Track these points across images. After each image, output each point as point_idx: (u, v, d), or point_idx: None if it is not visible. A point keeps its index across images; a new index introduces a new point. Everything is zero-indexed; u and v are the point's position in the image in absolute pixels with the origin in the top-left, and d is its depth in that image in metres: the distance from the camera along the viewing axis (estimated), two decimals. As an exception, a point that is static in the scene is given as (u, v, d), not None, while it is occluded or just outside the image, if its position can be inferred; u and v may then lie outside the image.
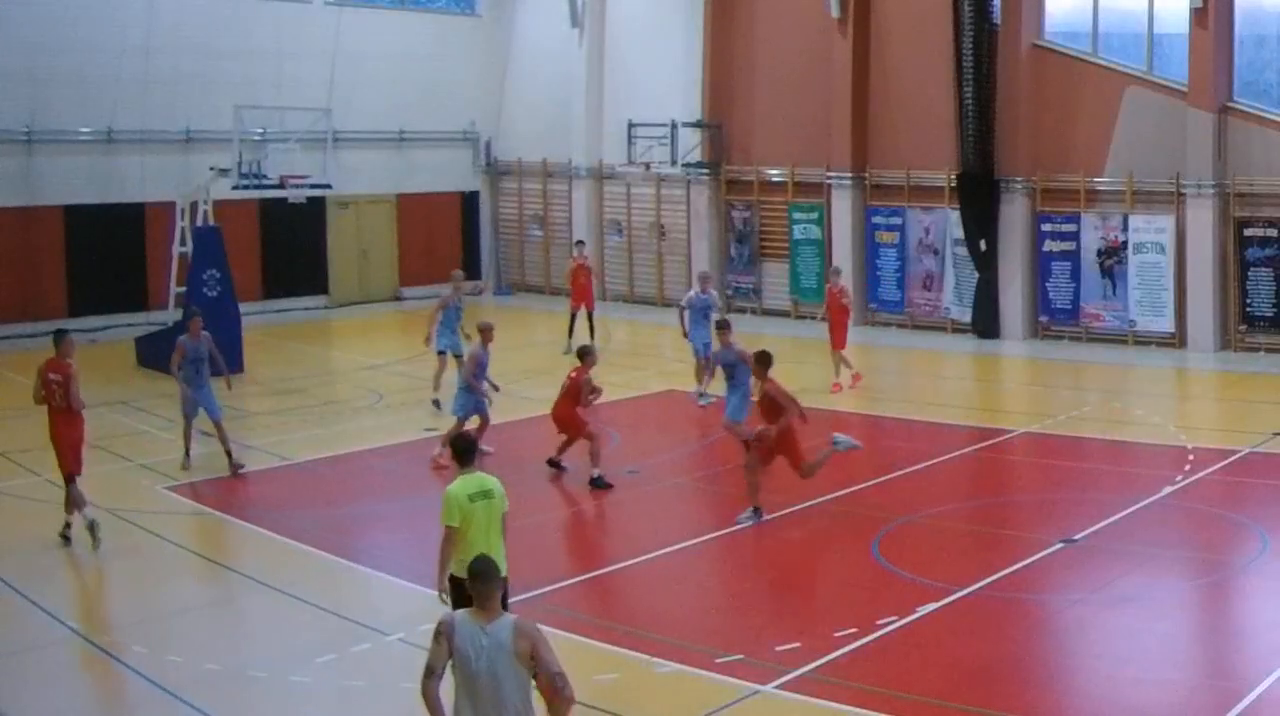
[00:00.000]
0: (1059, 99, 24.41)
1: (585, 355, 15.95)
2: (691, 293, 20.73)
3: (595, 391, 15.78)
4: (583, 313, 24.58)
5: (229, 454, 15.93)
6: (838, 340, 20.94)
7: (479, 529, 8.99)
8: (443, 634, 6.29)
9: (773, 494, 14.61)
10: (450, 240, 32.69)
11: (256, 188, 23.25)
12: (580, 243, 28.07)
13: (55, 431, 13.26)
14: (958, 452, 16.61)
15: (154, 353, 20.44)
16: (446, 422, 16.97)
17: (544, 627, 10.31)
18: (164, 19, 26.44)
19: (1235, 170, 22.59)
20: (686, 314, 20.17)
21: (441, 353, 19.41)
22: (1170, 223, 23.25)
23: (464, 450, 9.40)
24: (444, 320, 19.33)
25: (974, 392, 21.90)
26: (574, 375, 15.70)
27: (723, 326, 16.41)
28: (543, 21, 31.64)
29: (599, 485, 15.14)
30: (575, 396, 15.59)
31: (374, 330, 27.93)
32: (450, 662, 6.30)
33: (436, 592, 9.22)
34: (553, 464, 15.88)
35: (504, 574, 8.77)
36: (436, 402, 18.86)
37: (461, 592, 8.67)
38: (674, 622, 11.00)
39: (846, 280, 26.70)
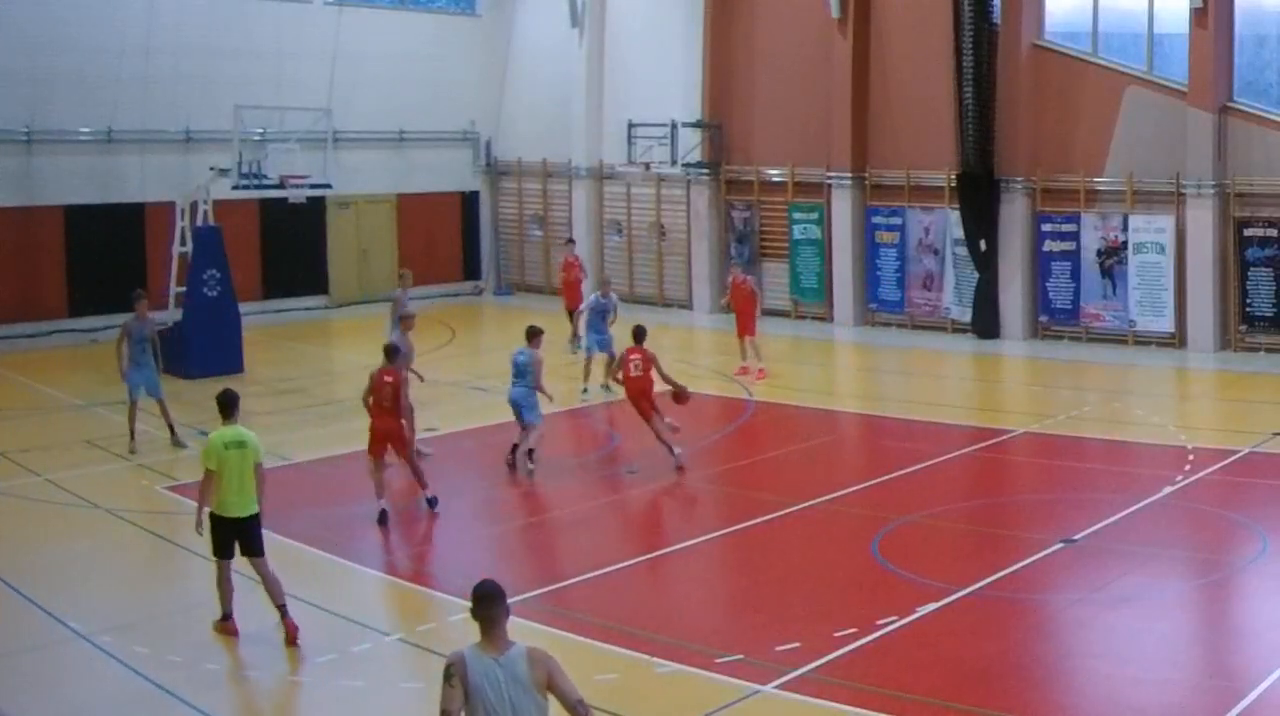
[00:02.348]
0: (1059, 99, 24.40)
1: (392, 354, 14.68)
2: (593, 297, 20.92)
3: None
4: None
5: (171, 429, 17.11)
6: (746, 327, 21.53)
7: (232, 473, 10.36)
8: (455, 675, 5.96)
9: (772, 493, 14.63)
10: (450, 240, 32.69)
11: (256, 188, 23.21)
12: (570, 241, 28.10)
13: None
14: (958, 452, 16.60)
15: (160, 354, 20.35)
16: (449, 422, 16.95)
17: (544, 627, 10.43)
18: (164, 19, 26.42)
19: (1235, 170, 22.58)
20: (583, 318, 20.33)
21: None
22: (1170, 223, 23.24)
23: (224, 404, 10.71)
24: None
25: (974, 392, 21.89)
26: (389, 378, 14.22)
27: (535, 333, 16.19)
28: (543, 21, 31.64)
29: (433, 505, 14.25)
30: (396, 401, 14.13)
31: (374, 330, 27.72)
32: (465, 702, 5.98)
33: (195, 528, 10.58)
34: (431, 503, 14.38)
35: (255, 511, 10.52)
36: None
37: (219, 528, 10.43)
38: (674, 622, 10.99)
39: (845, 281, 26.91)
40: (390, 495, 14.03)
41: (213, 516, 10.51)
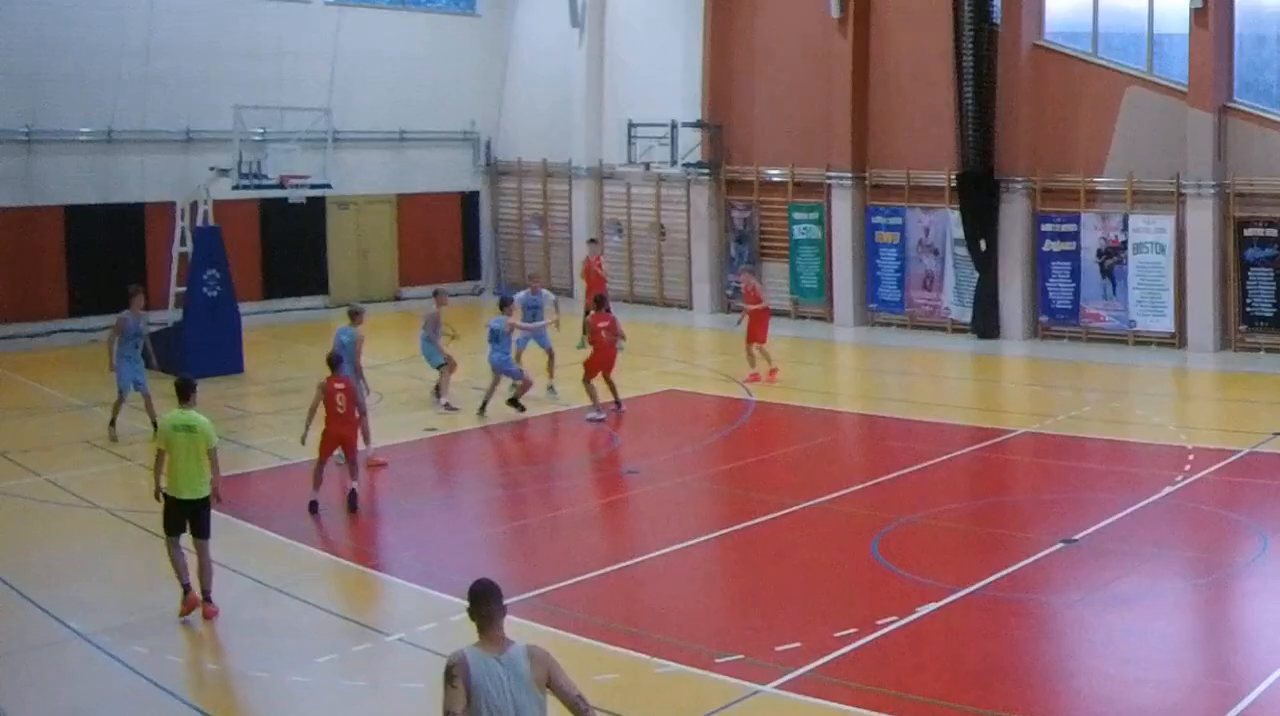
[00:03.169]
0: (1059, 99, 24.40)
1: (336, 363, 14.79)
2: (522, 293, 20.97)
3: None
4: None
5: (154, 424, 17.02)
6: (758, 333, 21.29)
7: (180, 455, 10.91)
8: (457, 676, 5.94)
9: (772, 493, 14.63)
10: (450, 240, 32.69)
11: (256, 188, 23.21)
12: (592, 240, 28.17)
13: None
14: (958, 452, 16.59)
15: (154, 352, 20.42)
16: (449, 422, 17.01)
17: (544, 627, 10.43)
18: (164, 19, 26.41)
19: (1235, 170, 22.58)
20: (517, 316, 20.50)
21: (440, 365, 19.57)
22: (1170, 223, 23.24)
23: (180, 388, 11.26)
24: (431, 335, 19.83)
25: (974, 392, 21.89)
26: (340, 385, 14.39)
27: (506, 302, 19.51)
28: (543, 21, 31.63)
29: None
30: (350, 407, 14.38)
31: (374, 330, 27.59)
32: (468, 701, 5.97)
33: (154, 496, 11.27)
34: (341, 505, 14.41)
35: (203, 495, 11.05)
36: (447, 405, 19.19)
37: (171, 508, 11.02)
38: (674, 622, 11.00)
39: (845, 281, 26.92)
40: (348, 491, 14.36)
41: (166, 496, 11.06)
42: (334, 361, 14.86)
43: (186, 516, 11.03)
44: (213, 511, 14.08)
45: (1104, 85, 23.93)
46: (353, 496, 14.23)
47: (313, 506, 14.10)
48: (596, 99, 30.71)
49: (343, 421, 14.30)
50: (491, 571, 12.39)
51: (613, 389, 18.75)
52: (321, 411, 14.36)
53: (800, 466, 16.41)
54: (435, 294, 20.51)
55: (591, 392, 18.37)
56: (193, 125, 27.00)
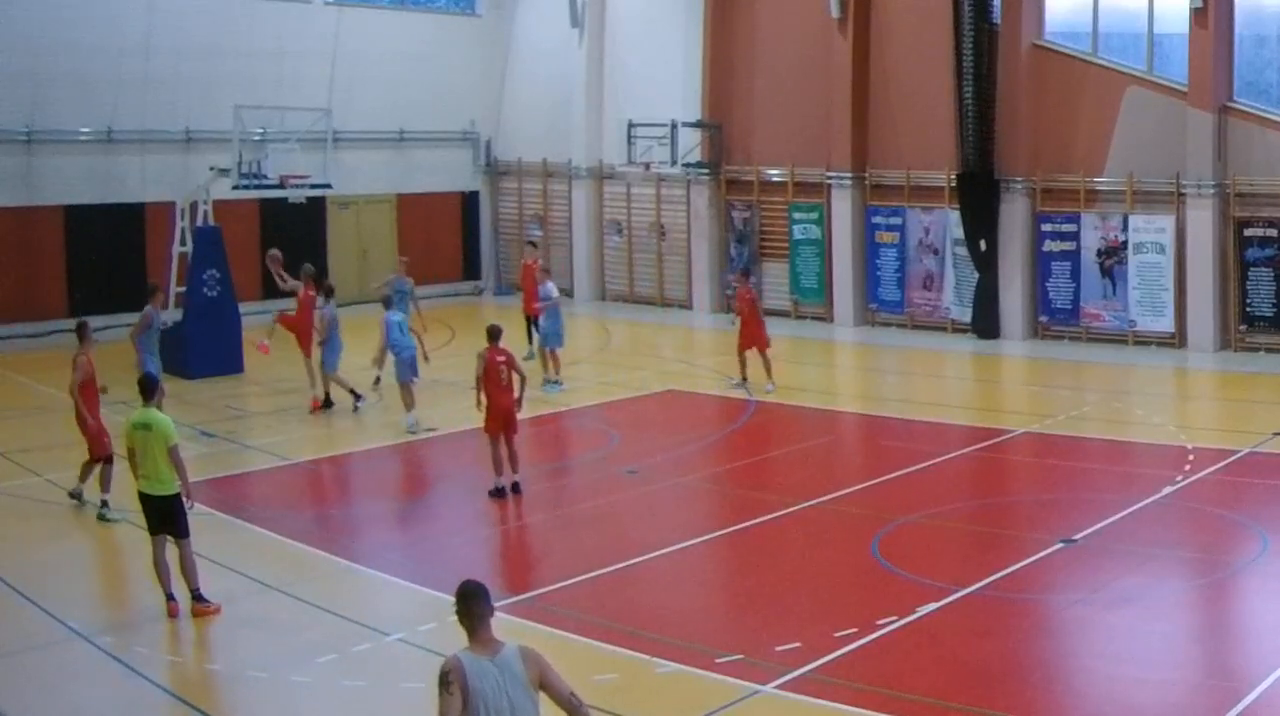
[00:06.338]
0: (1059, 99, 24.40)
1: (497, 334, 15.03)
2: (392, 276, 21.72)
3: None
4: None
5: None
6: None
7: (143, 451, 11.16)
8: (453, 681, 5.95)
9: (772, 493, 14.63)
10: (450, 240, 32.69)
11: (256, 188, 23.20)
12: (530, 243, 27.59)
13: None
14: (958, 452, 16.60)
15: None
16: (448, 421, 17.01)
17: (544, 627, 10.44)
18: (164, 19, 26.41)
19: (1235, 170, 22.58)
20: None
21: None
22: (1170, 223, 23.24)
23: (142, 387, 11.51)
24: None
25: (974, 392, 21.89)
26: (502, 358, 14.75)
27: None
28: (543, 21, 31.64)
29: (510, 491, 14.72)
30: (513, 378, 14.78)
31: (374, 330, 27.77)
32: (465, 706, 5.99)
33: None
34: (512, 489, 14.87)
35: (173, 492, 11.12)
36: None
37: (144, 505, 11.24)
38: (674, 622, 10.99)
39: (845, 281, 26.93)
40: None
41: (139, 494, 11.31)
42: (495, 333, 15.02)
43: (158, 513, 11.18)
44: (214, 511, 14.19)
45: (1104, 85, 23.94)
46: (515, 486, 14.63)
47: (498, 491, 14.52)
48: (596, 99, 30.71)
49: (505, 393, 14.58)
50: (491, 571, 12.42)
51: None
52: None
53: (800, 466, 16.41)
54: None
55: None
56: (193, 125, 27.00)
